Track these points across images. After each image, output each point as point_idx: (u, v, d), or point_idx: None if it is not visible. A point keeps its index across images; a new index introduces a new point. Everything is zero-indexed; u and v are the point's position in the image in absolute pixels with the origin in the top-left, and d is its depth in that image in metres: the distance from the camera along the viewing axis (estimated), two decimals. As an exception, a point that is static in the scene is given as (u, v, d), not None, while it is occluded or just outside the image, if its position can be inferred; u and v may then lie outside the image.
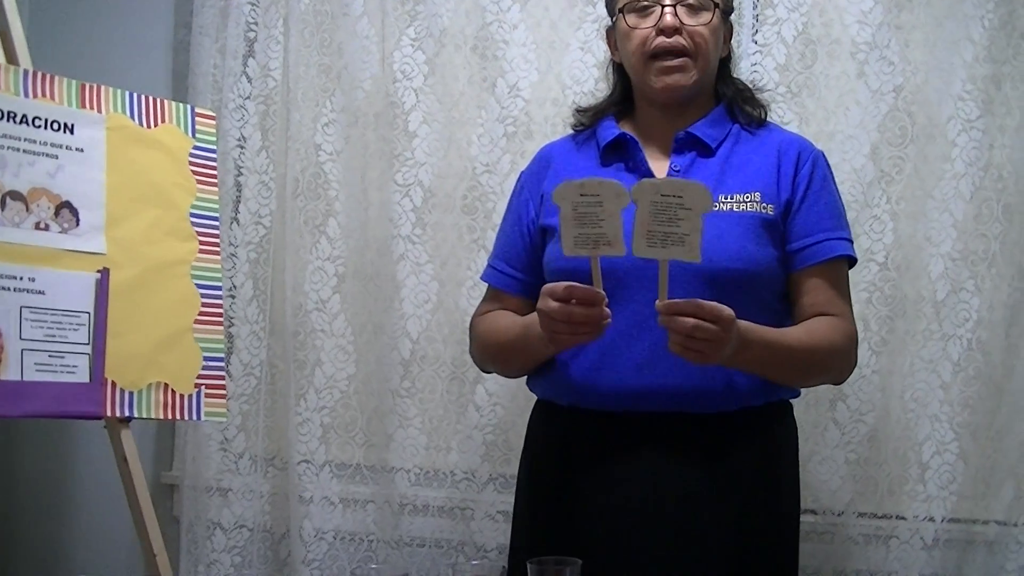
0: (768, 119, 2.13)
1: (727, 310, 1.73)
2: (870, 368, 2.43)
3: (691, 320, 1.71)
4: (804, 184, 1.99)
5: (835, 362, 2.01)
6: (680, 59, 1.98)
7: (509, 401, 2.62)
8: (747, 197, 1.95)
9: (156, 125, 2.34)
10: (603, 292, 1.75)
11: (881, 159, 2.45)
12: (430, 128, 2.70)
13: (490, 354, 2.13)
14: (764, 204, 1.95)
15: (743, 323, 1.79)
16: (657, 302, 1.73)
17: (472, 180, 2.66)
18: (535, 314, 1.86)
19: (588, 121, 2.14)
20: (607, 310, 1.76)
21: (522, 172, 2.19)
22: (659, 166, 2.02)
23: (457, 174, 2.68)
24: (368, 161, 2.74)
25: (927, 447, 2.40)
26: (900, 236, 2.44)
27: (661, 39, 1.98)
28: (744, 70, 2.53)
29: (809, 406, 2.45)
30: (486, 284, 2.19)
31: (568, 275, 1.82)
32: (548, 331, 1.82)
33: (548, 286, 1.80)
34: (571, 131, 2.19)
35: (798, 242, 1.98)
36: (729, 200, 1.94)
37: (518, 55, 2.64)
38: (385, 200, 2.72)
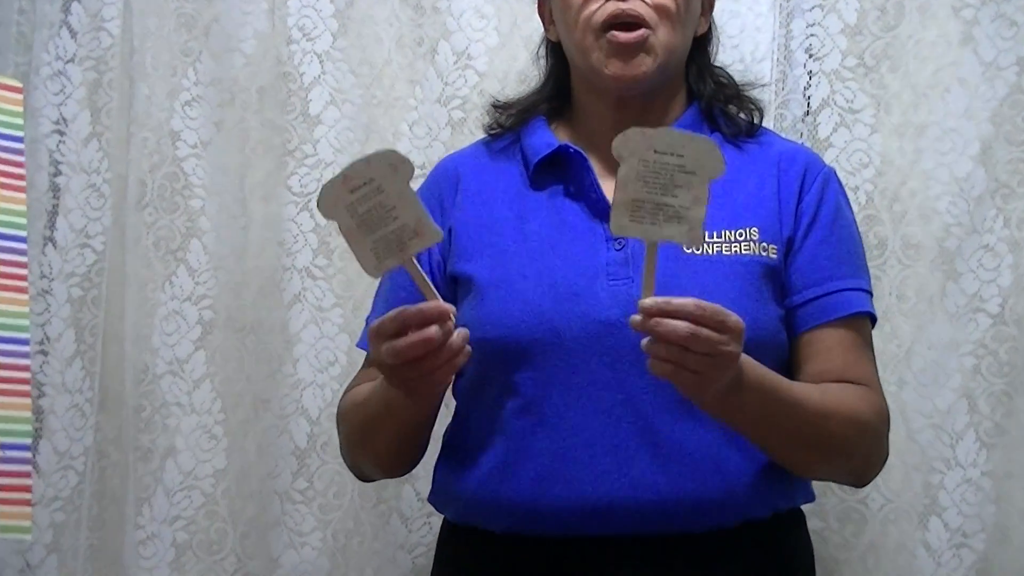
0: (763, 124, 2.06)
1: (735, 316, 1.63)
2: (978, 468, 2.26)
3: (685, 325, 1.59)
4: (809, 213, 1.93)
5: (859, 441, 1.89)
6: (639, 32, 1.91)
7: (447, 509, 2.39)
8: (740, 235, 1.90)
9: (-69, 100, 2.10)
10: (444, 302, 1.68)
11: (996, 164, 2.28)
12: (340, 111, 2.53)
13: (355, 439, 2.03)
14: (764, 244, 1.89)
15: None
16: (640, 300, 1.61)
17: (400, 188, 2.43)
18: None
19: (510, 123, 2.09)
20: (452, 324, 1.70)
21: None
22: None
23: (379, 178, 2.45)
24: (249, 158, 2.54)
25: (1064, 584, 2.22)
26: (1023, 276, 2.26)
27: (613, 5, 1.91)
28: (796, 33, 2.39)
29: (888, 522, 2.27)
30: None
31: (503, 348, 1.81)
32: (399, 381, 1.75)
33: (374, 326, 1.72)
34: (484, 135, 2.13)
35: (801, 294, 1.92)
36: (717, 240, 1.90)
37: (469, 7, 2.50)
38: (274, 215, 2.53)
